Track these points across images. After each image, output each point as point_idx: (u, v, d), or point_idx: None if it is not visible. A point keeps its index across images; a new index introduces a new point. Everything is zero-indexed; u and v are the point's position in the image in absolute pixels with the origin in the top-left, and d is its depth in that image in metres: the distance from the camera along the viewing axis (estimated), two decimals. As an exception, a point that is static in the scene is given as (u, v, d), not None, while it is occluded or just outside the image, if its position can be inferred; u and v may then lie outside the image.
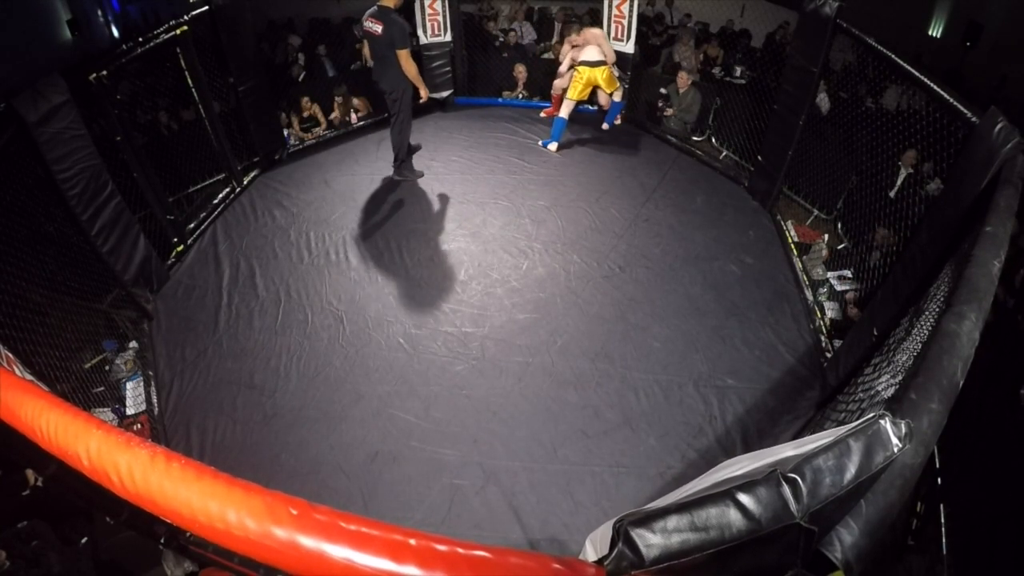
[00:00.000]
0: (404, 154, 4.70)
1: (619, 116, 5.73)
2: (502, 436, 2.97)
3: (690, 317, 3.63)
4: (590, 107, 5.94)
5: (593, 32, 5.26)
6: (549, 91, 5.86)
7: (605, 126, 5.73)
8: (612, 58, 5.24)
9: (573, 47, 5.27)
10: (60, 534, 2.68)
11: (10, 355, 2.29)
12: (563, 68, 5.42)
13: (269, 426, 3.05)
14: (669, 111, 5.87)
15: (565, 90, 5.43)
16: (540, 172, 5.04)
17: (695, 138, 5.96)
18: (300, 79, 6.63)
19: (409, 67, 4.15)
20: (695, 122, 5.97)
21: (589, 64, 5.13)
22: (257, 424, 3.07)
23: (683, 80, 5.82)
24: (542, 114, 5.98)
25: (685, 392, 3.18)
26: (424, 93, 4.38)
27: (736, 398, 3.16)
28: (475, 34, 6.48)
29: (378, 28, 4.08)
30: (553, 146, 5.35)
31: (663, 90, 5.97)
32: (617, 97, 5.50)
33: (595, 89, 5.44)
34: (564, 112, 5.30)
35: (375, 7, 4.11)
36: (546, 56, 7.05)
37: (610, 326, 3.56)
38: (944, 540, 2.54)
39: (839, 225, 4.75)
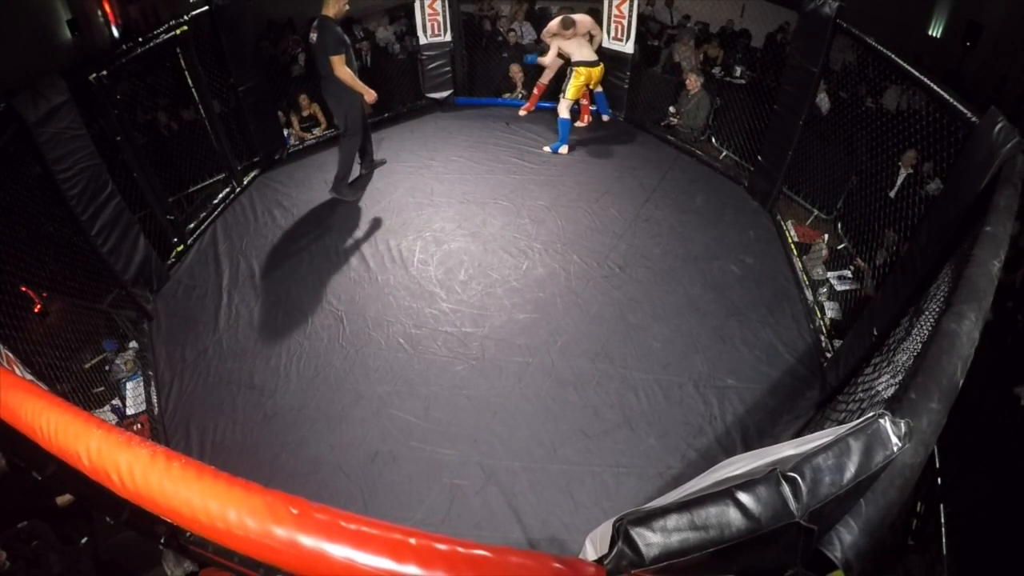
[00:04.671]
0: (345, 173, 4.50)
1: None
2: (502, 436, 2.97)
3: (690, 317, 3.63)
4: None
5: (583, 21, 5.17)
6: (552, 93, 5.77)
7: (606, 117, 5.79)
8: (601, 39, 5.34)
9: (562, 38, 5.14)
10: (60, 534, 2.68)
11: (10, 355, 2.29)
12: (548, 59, 5.32)
13: (269, 426, 3.06)
14: (674, 120, 5.76)
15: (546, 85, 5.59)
16: (540, 172, 5.04)
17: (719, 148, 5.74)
18: (298, 74, 6.63)
19: (342, 73, 3.97)
20: (702, 129, 5.77)
21: (588, 64, 5.12)
22: (257, 424, 3.07)
23: (692, 83, 5.64)
24: (521, 112, 5.97)
25: (685, 392, 3.18)
26: (369, 97, 4.19)
27: (736, 398, 3.16)
28: (475, 34, 6.47)
29: (313, 36, 3.96)
30: (564, 149, 5.29)
31: (672, 108, 5.85)
32: (600, 88, 5.56)
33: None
34: (565, 113, 5.24)
35: (316, 17, 3.98)
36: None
37: (610, 326, 3.56)
38: (944, 540, 2.54)
39: (839, 225, 4.75)
